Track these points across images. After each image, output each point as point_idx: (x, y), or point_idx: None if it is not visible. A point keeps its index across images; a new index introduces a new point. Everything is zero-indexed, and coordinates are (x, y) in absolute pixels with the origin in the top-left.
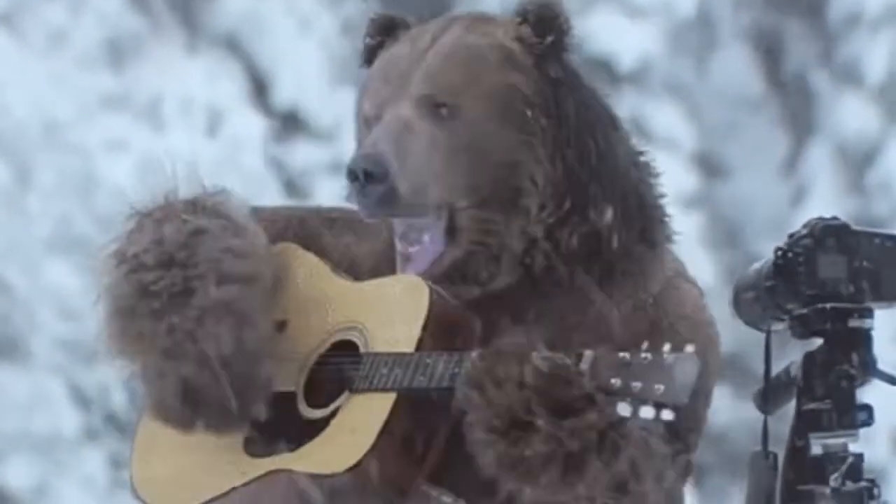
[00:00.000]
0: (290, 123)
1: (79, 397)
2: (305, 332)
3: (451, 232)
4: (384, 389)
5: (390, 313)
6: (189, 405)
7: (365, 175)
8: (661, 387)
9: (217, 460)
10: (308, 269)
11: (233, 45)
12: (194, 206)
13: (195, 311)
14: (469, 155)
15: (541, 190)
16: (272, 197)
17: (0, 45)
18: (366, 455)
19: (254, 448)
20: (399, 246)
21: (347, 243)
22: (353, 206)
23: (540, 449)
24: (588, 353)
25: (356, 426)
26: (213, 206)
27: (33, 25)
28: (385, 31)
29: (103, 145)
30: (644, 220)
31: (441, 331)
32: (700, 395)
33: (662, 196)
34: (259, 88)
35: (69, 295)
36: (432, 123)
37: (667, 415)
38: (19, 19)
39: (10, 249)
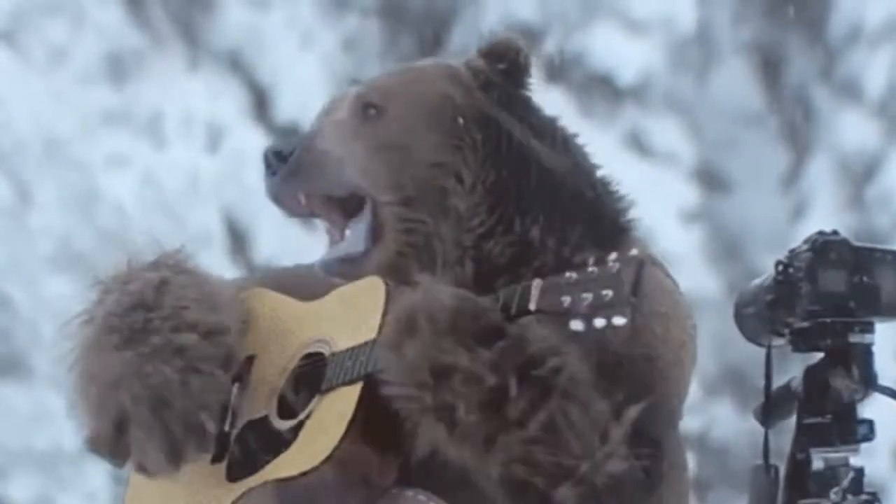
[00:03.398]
0: None
1: None
2: (274, 360)
3: (377, 232)
4: (350, 381)
5: (351, 315)
6: (122, 438)
7: (275, 155)
8: (610, 292)
9: (203, 496)
10: (272, 304)
11: (234, 61)
12: (156, 265)
13: (148, 348)
14: (392, 152)
15: (468, 190)
16: (273, 213)
17: (1, 61)
18: (339, 445)
19: (237, 473)
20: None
21: (314, 289)
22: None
23: (462, 389)
24: (536, 282)
25: (328, 422)
26: (175, 264)
27: (34, 42)
28: None
29: (104, 161)
30: (592, 232)
31: None
32: (652, 321)
33: (625, 217)
34: (260, 104)
35: (71, 311)
36: (359, 121)
37: (618, 320)
38: (20, 36)
39: (12, 265)
